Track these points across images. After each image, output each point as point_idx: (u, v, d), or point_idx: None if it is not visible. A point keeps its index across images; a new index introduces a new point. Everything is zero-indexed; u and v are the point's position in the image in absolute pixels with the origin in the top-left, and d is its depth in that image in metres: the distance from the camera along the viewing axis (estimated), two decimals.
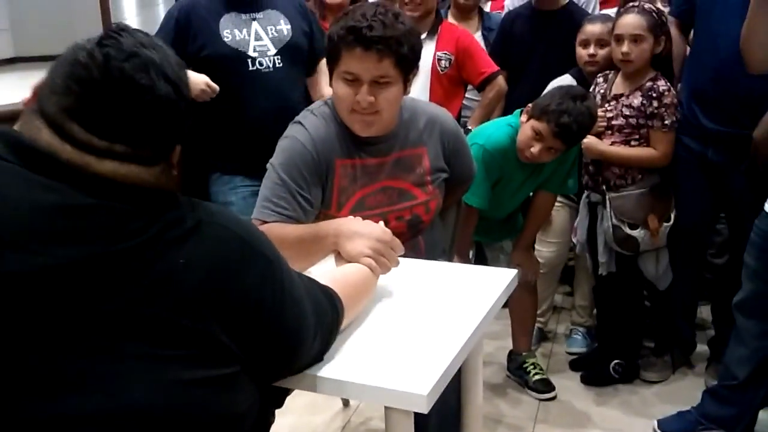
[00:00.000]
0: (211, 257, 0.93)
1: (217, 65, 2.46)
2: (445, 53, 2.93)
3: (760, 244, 2.07)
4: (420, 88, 2.85)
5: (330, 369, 1.17)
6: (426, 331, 1.32)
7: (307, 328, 1.08)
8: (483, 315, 1.38)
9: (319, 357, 1.17)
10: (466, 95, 3.11)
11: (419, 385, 1.11)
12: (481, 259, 2.76)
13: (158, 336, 0.88)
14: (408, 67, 1.70)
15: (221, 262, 0.94)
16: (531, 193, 2.58)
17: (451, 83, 2.97)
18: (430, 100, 2.76)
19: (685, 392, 2.61)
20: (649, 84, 2.47)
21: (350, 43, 1.63)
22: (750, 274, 2.13)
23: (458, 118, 3.01)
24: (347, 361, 1.20)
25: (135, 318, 0.87)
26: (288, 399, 1.23)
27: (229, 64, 2.48)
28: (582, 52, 2.74)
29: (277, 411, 1.21)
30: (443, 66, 2.93)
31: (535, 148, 2.29)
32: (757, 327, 2.14)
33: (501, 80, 2.93)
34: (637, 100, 2.48)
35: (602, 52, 2.69)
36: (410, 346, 1.26)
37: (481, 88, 2.96)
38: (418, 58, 1.73)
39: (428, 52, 2.89)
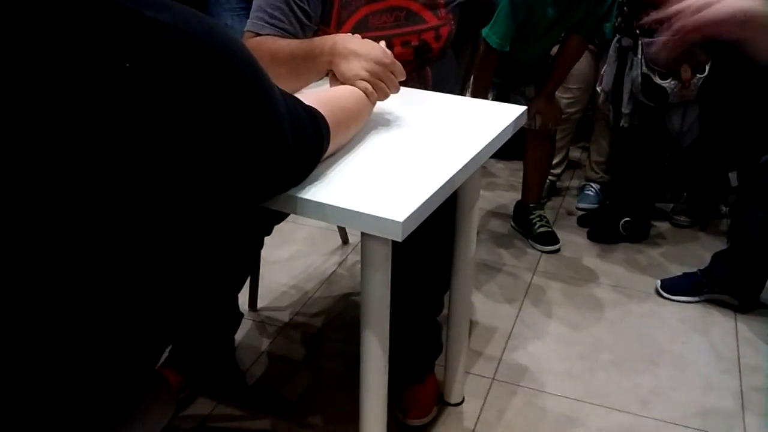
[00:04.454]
0: (167, 70, 0.75)
1: None
2: None
3: None
4: None
5: (311, 192, 1.08)
6: (418, 160, 1.21)
7: (284, 154, 0.96)
8: (481, 146, 1.25)
9: (298, 182, 1.08)
10: None
11: (397, 211, 1.01)
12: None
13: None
14: None
15: (180, 76, 0.76)
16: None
17: None
18: None
19: (693, 255, 2.54)
20: None
21: None
22: None
23: None
24: (331, 186, 1.10)
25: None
26: (288, 231, 1.15)
27: None
28: None
29: (275, 242, 1.12)
30: None
31: None
32: None
33: None
34: None
35: None
36: (399, 173, 1.16)
37: None
38: None
39: None
